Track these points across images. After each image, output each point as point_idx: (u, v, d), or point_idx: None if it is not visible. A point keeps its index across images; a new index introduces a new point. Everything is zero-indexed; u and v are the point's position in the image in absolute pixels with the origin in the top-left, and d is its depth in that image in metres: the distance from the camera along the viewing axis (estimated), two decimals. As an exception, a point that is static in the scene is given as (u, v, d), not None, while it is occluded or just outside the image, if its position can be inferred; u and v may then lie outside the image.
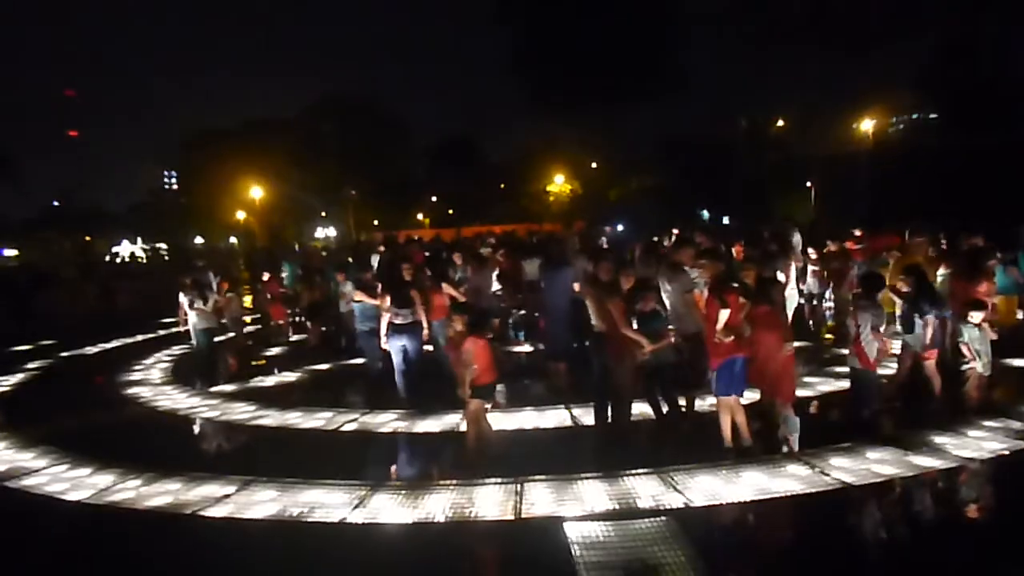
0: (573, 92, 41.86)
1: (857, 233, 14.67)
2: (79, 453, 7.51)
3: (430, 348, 9.90)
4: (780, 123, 53.28)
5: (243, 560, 5.26)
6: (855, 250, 13.46)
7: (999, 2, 32.49)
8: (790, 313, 8.53)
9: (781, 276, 8.96)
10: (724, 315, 6.52)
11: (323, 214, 62.36)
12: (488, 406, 7.09)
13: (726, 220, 42.52)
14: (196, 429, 8.90)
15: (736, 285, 7.02)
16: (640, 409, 7.47)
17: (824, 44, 38.57)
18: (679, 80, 43.33)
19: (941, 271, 9.64)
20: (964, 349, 7.88)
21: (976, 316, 7.68)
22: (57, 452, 7.68)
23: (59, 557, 5.51)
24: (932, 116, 42.72)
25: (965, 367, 7.94)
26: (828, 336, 12.48)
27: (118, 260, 40.82)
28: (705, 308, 7.06)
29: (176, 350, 14.14)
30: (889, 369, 8.43)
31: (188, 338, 12.46)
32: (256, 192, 48.77)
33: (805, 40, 39.01)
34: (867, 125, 39.17)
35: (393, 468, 7.21)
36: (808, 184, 42.80)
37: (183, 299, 11.99)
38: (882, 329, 6.94)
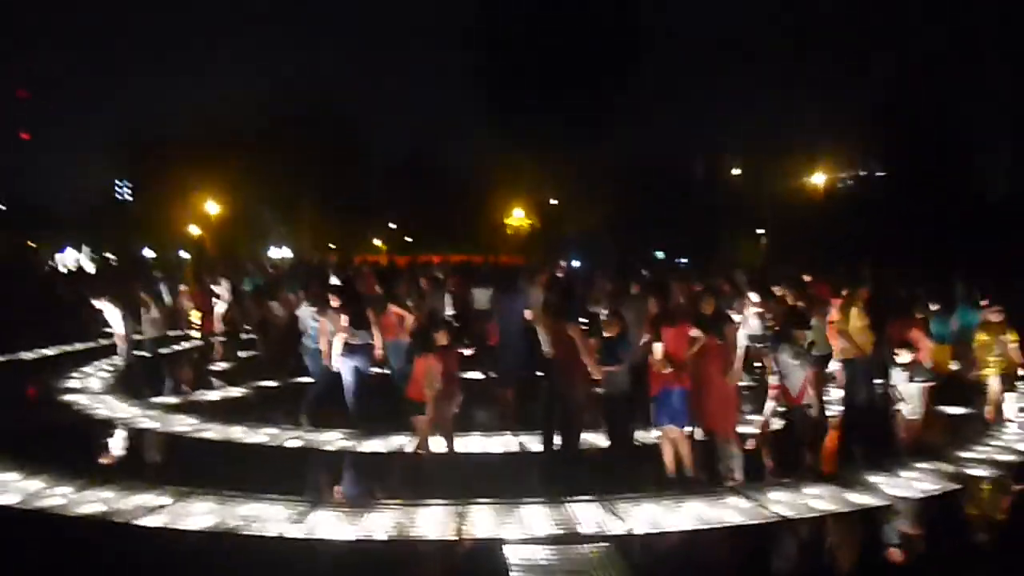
0: (534, 114, 41.64)
1: (806, 279, 14.99)
2: (9, 458, 7.21)
3: (384, 370, 9.91)
4: (735, 171, 54.58)
5: (174, 569, 5.16)
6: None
7: (945, 66, 34.04)
8: (740, 351, 8.69)
9: (736, 316, 9.19)
10: (658, 347, 6.70)
11: (278, 232, 61.48)
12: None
13: (683, 261, 43.10)
14: (134, 439, 8.64)
15: (684, 317, 7.18)
16: (586, 438, 7.52)
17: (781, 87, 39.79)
18: (636, 110, 43.54)
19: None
20: (891, 392, 8.11)
21: (903, 356, 7.86)
22: (-15, 456, 7.38)
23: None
24: (879, 174, 44.33)
25: (893, 409, 8.19)
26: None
27: (61, 268, 39.10)
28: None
29: (117, 360, 13.67)
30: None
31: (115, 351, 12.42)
32: (212, 208, 47.97)
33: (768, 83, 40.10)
34: (818, 179, 40.34)
35: (336, 486, 7.12)
36: (759, 230, 43.87)
37: (108, 308, 11.74)
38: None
